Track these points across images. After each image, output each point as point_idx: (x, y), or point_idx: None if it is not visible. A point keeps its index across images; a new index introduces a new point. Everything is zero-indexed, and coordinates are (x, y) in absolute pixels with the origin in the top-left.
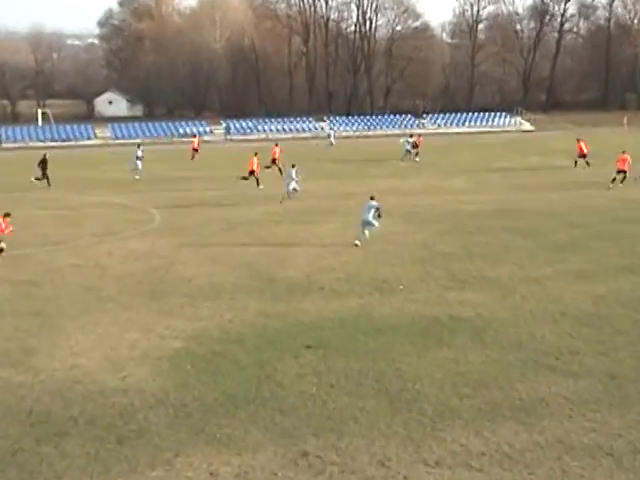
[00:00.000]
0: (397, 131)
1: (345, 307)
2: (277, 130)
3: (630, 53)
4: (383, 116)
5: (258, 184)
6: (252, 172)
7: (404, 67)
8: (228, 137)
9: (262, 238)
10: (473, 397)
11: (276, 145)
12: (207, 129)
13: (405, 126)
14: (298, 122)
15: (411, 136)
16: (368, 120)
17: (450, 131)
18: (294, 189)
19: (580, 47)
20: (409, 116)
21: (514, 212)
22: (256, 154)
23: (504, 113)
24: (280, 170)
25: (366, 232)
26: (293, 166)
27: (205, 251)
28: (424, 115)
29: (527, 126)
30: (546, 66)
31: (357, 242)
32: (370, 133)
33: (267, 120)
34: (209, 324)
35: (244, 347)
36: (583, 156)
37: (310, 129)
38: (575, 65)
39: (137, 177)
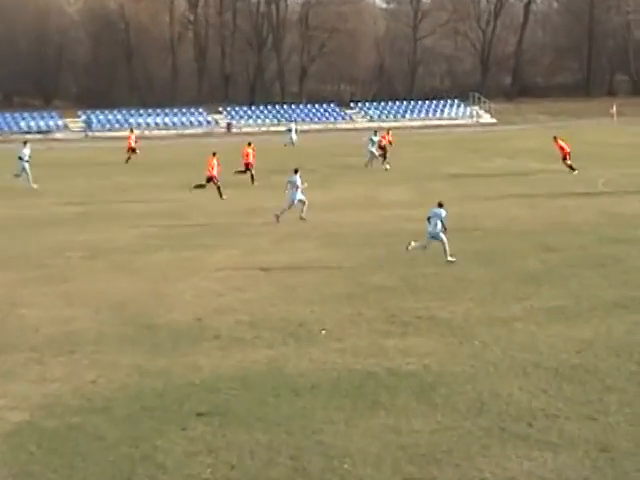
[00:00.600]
0: (317, 126)
1: (249, 361)
2: (156, 124)
3: (619, 22)
4: (298, 106)
5: (220, 194)
6: (210, 179)
7: (324, 41)
8: (88, 133)
9: (137, 270)
10: (420, 478)
11: (249, 145)
12: (59, 123)
13: (327, 118)
14: (184, 114)
15: (375, 133)
16: (278, 111)
17: (386, 125)
18: (300, 201)
19: (555, 15)
20: (332, 106)
21: (471, 231)
22: (214, 154)
23: (456, 101)
24: (252, 177)
25: (448, 257)
26: (296, 171)
27: (58, 288)
28: (352, 104)
29: (487, 118)
30: (511, 40)
31: (451, 259)
32: (281, 128)
33: (142, 112)
34: (63, 387)
35: (112, 418)
36: (564, 158)
37: (201, 123)
38: (548, 38)
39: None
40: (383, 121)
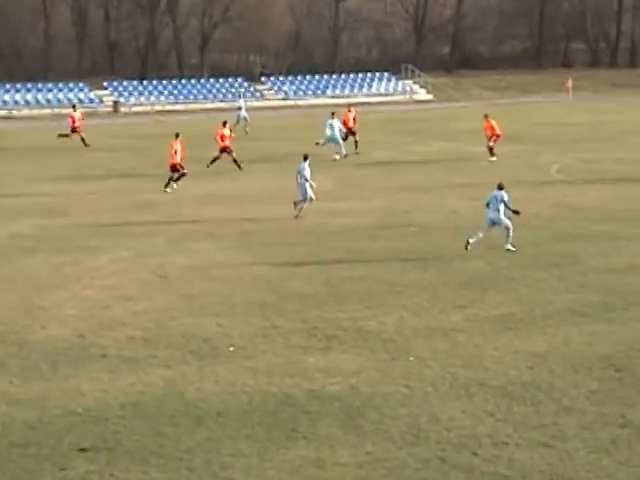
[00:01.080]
0: (222, 104)
1: (143, 384)
2: (26, 102)
3: None
4: (198, 81)
5: (174, 180)
6: (174, 167)
7: (229, 3)
8: None
9: (5, 277)
10: None
11: (224, 125)
12: None
13: (234, 95)
14: (61, 90)
15: (333, 115)
16: (175, 87)
17: (303, 102)
18: (310, 198)
19: None
20: (239, 80)
21: (404, 228)
22: (177, 136)
23: (386, 75)
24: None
25: (508, 244)
26: (306, 158)
27: None
28: (263, 79)
29: (422, 94)
30: (449, 2)
31: (511, 247)
32: (179, 107)
33: (8, 86)
34: None
35: None
36: (490, 138)
37: (81, 101)
38: (493, 1)
39: None
40: (300, 98)
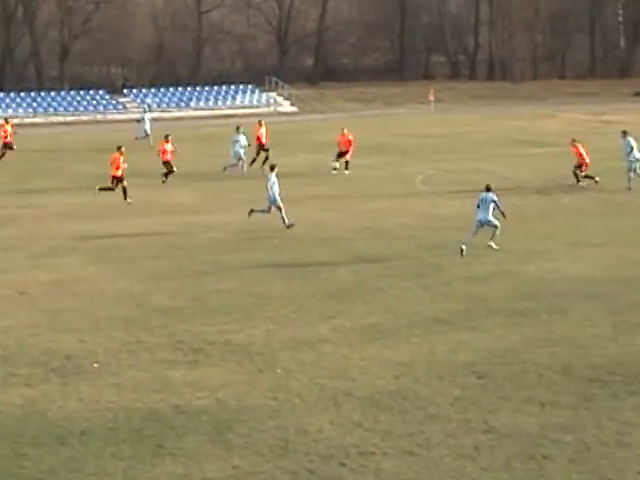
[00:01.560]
0: (84, 117)
1: (2, 403)
2: None
3: None
4: (58, 93)
5: (125, 196)
6: (117, 179)
7: (89, 14)
8: None
9: None
10: None
11: (166, 140)
12: None
13: (95, 108)
14: None
15: (238, 129)
16: (34, 99)
17: (167, 115)
18: (269, 208)
19: None
20: (101, 92)
21: (269, 240)
22: (120, 149)
23: (250, 87)
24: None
25: (492, 242)
26: (273, 168)
27: None
28: (125, 91)
29: (287, 106)
30: (312, 15)
31: (494, 246)
32: (38, 120)
33: None
34: None
35: None
36: (343, 154)
37: None
38: (355, 13)
39: None
40: (164, 110)
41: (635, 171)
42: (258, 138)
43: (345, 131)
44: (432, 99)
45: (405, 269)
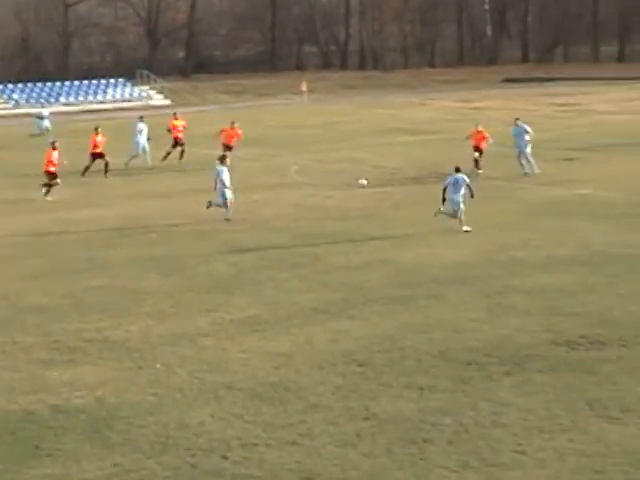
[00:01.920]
0: None
1: None
2: None
3: None
4: None
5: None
6: (51, 174)
7: None
8: None
9: None
10: None
11: (96, 132)
12: None
13: None
14: None
15: (141, 118)
16: None
17: (35, 111)
18: (226, 201)
19: None
20: None
21: (144, 234)
22: (54, 144)
23: (121, 81)
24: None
25: (461, 216)
26: (223, 159)
27: None
28: None
29: (159, 100)
30: (182, 7)
31: (466, 228)
32: None
33: None
34: None
35: None
36: (229, 148)
37: None
38: (226, 5)
39: None
40: (32, 106)
41: (526, 157)
42: (173, 129)
43: (236, 125)
44: (305, 90)
45: (282, 260)
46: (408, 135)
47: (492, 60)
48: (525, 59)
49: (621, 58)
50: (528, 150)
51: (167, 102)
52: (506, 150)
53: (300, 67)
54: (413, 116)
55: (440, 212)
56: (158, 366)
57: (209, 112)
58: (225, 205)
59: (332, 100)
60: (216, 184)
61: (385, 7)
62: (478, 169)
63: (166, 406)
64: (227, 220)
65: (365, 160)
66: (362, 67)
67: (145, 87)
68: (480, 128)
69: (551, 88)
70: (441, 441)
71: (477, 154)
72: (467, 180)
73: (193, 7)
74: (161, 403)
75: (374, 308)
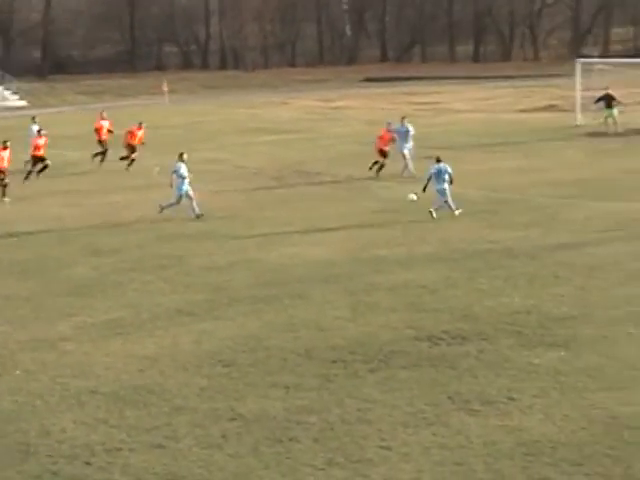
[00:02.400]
0: None
1: None
2: None
3: None
4: None
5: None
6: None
7: None
8: None
9: None
10: None
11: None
12: None
13: None
14: None
15: (33, 119)
16: None
17: None
18: (185, 195)
19: None
20: None
21: (4, 238)
22: (5, 143)
23: None
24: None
25: (435, 208)
26: (182, 156)
27: None
28: None
29: (15, 101)
30: (37, 5)
31: (457, 211)
32: None
33: None
34: None
35: None
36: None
37: None
38: (84, 4)
39: None
40: None
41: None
42: (98, 131)
43: (143, 125)
44: (166, 90)
45: (145, 262)
46: (270, 135)
47: (352, 59)
48: (384, 58)
49: (476, 58)
50: (406, 151)
51: (23, 103)
52: (366, 148)
53: (160, 67)
54: (274, 116)
55: (433, 211)
56: (18, 372)
57: (67, 113)
58: (178, 202)
59: (193, 100)
60: (173, 180)
61: (245, 6)
62: (375, 169)
63: (26, 413)
64: (198, 217)
65: (227, 160)
66: (223, 67)
67: (0, 88)
68: (389, 128)
69: (410, 87)
70: (307, 439)
71: (382, 159)
72: (449, 169)
73: (48, 6)
74: (21, 410)
75: (239, 308)
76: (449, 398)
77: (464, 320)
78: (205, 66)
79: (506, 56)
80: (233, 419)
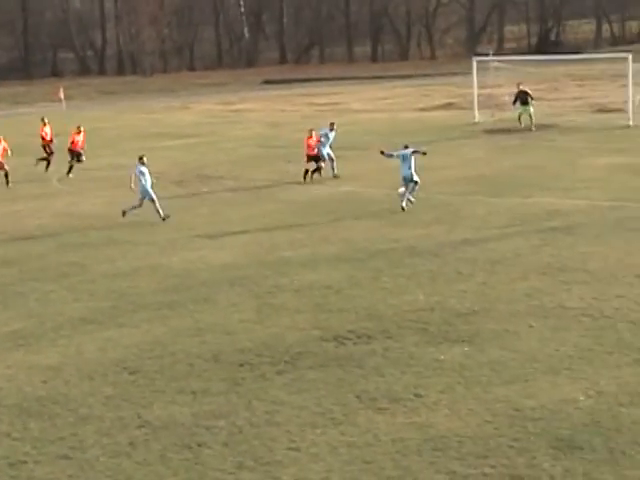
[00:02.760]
0: None
1: None
2: None
3: None
4: None
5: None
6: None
7: None
8: None
9: None
10: None
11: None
12: None
13: None
14: None
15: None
16: None
17: None
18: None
19: None
20: None
21: None
22: None
23: None
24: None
25: (410, 197)
26: (141, 158)
27: None
28: None
29: None
30: None
31: (404, 205)
32: None
33: None
34: None
35: None
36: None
37: None
38: None
39: None
40: None
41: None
42: (43, 138)
43: (82, 128)
44: (62, 97)
45: (47, 271)
46: (171, 139)
47: (251, 62)
48: (283, 60)
49: (374, 58)
50: (325, 151)
51: None
52: (268, 151)
53: (56, 73)
54: (175, 120)
55: (407, 203)
56: None
57: None
58: (140, 204)
59: (91, 107)
60: (136, 184)
61: (141, 11)
62: (305, 179)
63: None
64: (164, 219)
65: (129, 166)
66: (121, 72)
67: None
68: (313, 133)
69: (309, 89)
70: (216, 444)
71: (312, 164)
72: (410, 151)
73: None
74: None
75: (144, 314)
76: (357, 397)
77: (369, 319)
78: (102, 72)
79: (404, 55)
80: (140, 426)
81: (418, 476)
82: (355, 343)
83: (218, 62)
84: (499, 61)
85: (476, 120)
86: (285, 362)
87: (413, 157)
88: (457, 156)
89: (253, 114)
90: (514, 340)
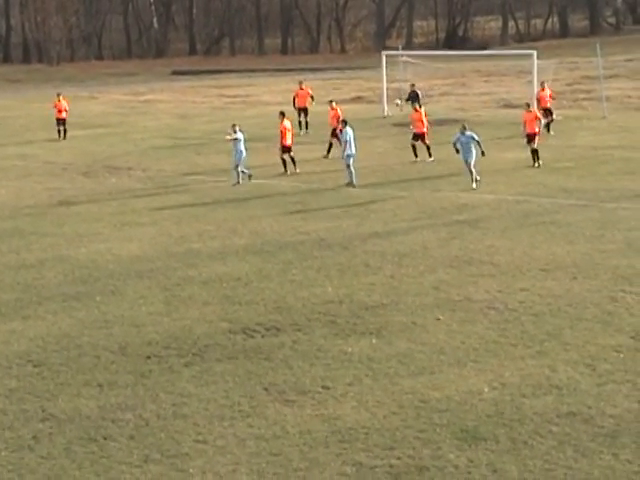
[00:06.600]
0: None
1: None
2: None
3: None
4: None
5: None
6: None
7: None
8: None
9: None
10: None
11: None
12: None
13: None
14: None
15: None
16: None
17: None
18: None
19: None
20: None
21: None
22: None
23: None
24: None
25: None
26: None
27: None
28: None
29: None
30: None
31: (474, 185)
32: None
33: None
34: None
35: None
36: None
37: None
38: None
39: None
40: None
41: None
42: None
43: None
44: None
45: None
46: (79, 129)
47: (160, 52)
48: (193, 51)
49: (284, 50)
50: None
51: None
52: (177, 142)
53: None
54: (83, 110)
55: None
56: None
57: None
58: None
59: None
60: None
61: None
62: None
63: None
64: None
65: (35, 156)
66: (26, 60)
67: None
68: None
69: (219, 80)
70: (122, 437)
71: (286, 155)
72: (476, 137)
73: None
74: None
75: (49, 307)
76: (265, 389)
77: (278, 311)
78: (7, 59)
79: (314, 49)
80: (45, 420)
81: (325, 468)
82: (263, 336)
83: (127, 52)
84: (408, 55)
85: (385, 114)
86: (193, 354)
87: (473, 144)
88: (367, 149)
89: (162, 105)
90: (421, 333)
